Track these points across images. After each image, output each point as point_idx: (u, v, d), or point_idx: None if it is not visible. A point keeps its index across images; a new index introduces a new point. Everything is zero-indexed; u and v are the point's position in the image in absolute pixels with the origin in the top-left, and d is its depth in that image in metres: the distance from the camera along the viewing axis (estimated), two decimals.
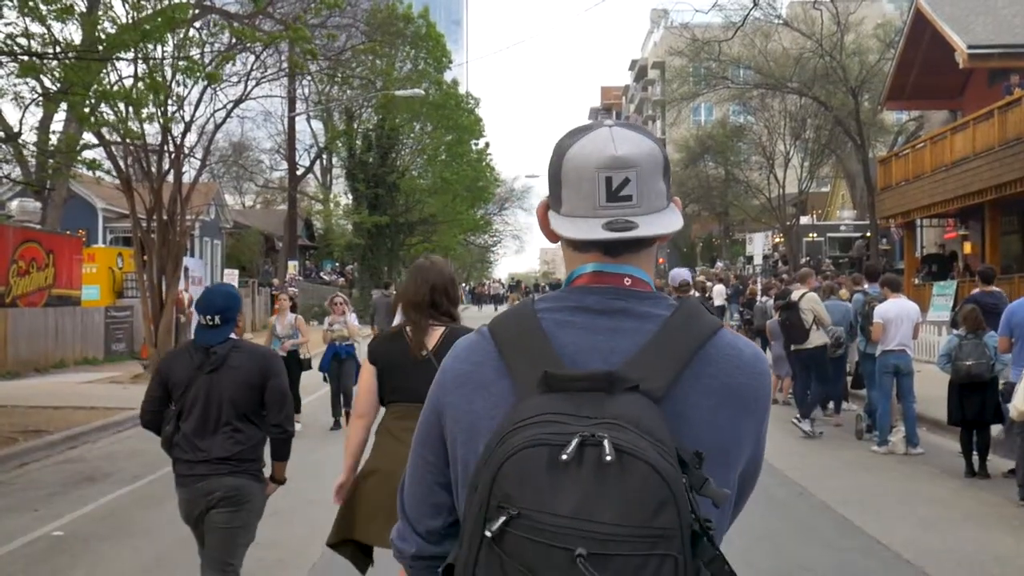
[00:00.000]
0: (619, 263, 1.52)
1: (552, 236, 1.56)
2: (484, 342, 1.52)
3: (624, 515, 1.22)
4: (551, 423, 1.28)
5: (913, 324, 10.78)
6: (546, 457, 1.25)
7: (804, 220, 44.26)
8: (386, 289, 22.24)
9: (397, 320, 4.48)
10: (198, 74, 15.97)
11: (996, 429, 9.77)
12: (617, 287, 1.51)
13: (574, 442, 1.24)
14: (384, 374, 4.16)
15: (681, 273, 10.75)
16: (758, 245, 32.82)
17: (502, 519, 1.23)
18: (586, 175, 1.47)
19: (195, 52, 17.16)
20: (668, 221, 1.49)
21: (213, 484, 4.35)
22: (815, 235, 41.61)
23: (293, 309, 12.91)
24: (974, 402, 9.23)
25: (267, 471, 4.66)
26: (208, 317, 4.44)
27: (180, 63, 15.94)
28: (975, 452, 9.42)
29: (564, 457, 1.23)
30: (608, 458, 1.22)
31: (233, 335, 4.53)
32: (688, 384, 1.42)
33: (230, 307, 4.49)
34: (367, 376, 4.23)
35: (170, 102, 17.51)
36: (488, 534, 1.24)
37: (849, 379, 13.37)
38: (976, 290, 11.29)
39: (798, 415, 12.08)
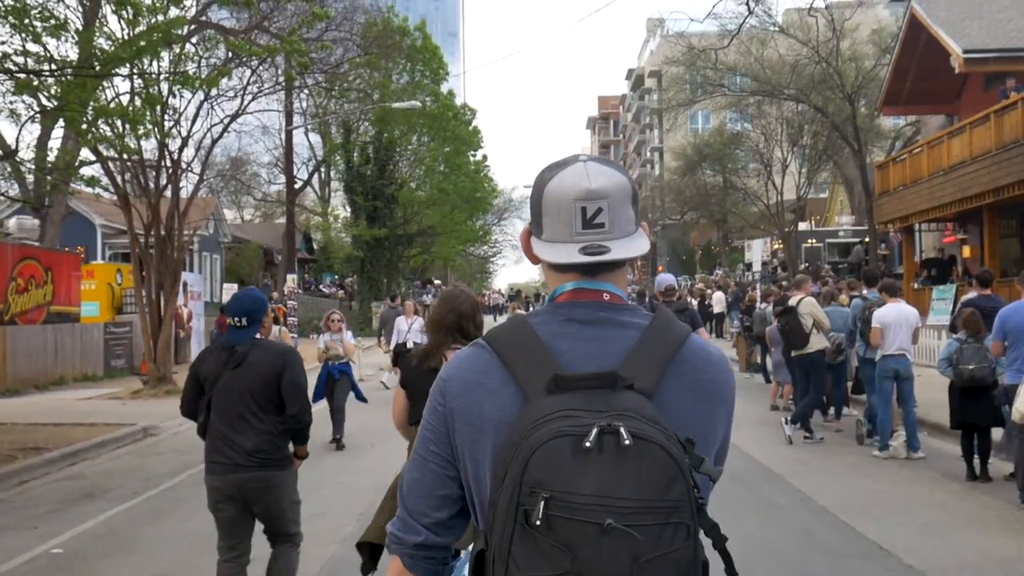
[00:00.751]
0: (597, 281, 1.74)
1: (534, 259, 1.77)
2: (485, 353, 1.70)
3: (641, 490, 1.42)
4: (569, 417, 1.48)
5: (912, 329, 10.77)
6: (570, 446, 1.45)
7: (803, 226, 44.27)
8: (392, 301, 22.18)
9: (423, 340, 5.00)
10: (195, 85, 15.98)
11: (997, 433, 9.75)
12: (598, 301, 1.73)
13: (594, 432, 1.44)
14: (412, 398, 4.59)
15: (666, 279, 10.84)
16: (757, 252, 32.85)
17: (541, 503, 1.41)
18: (564, 206, 1.68)
19: (191, 67, 17.19)
20: (637, 245, 1.71)
21: (243, 477, 4.83)
22: (814, 241, 41.61)
23: (276, 322, 12.55)
24: (975, 406, 9.21)
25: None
26: (236, 319, 4.92)
27: (176, 77, 15.95)
28: (976, 456, 9.41)
29: (587, 445, 1.43)
30: (627, 443, 1.44)
31: (259, 335, 5.00)
32: (671, 382, 1.65)
33: (256, 310, 4.97)
34: (400, 399, 4.73)
35: (167, 117, 17.54)
36: (537, 521, 1.41)
37: (850, 384, 13.36)
38: (972, 294, 11.28)
39: (789, 416, 12.07)
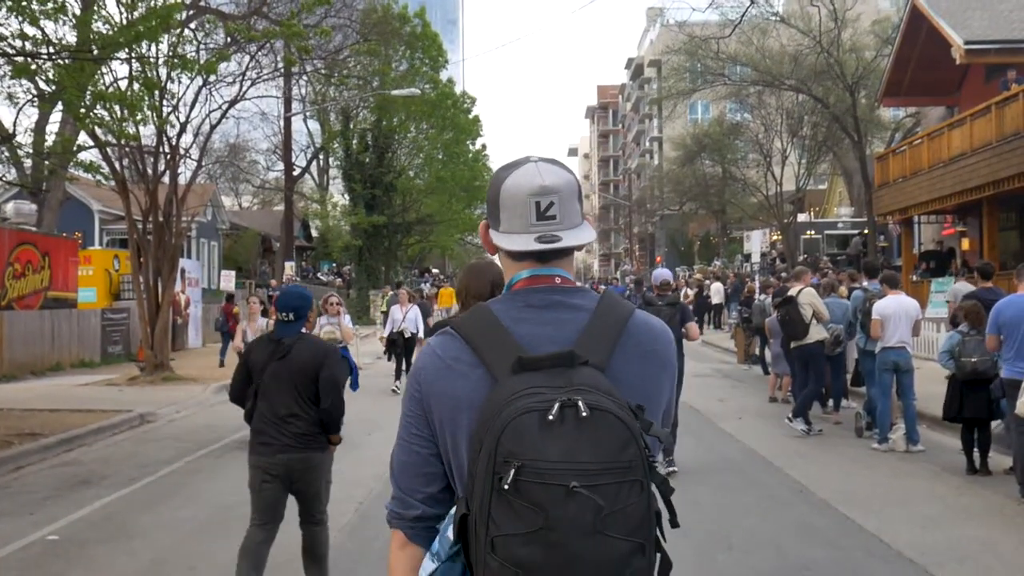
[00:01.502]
0: (549, 267, 1.94)
1: (492, 249, 2.00)
2: (454, 340, 1.88)
3: (600, 454, 1.63)
4: (534, 394, 1.67)
5: (913, 321, 10.72)
6: (536, 420, 1.64)
7: (801, 217, 44.21)
8: (398, 288, 22.09)
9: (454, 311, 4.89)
10: (193, 69, 15.87)
11: (996, 425, 9.73)
12: (551, 286, 1.92)
13: (556, 406, 1.64)
14: None
15: (663, 274, 10.86)
16: (756, 243, 32.79)
17: (512, 471, 1.60)
18: (520, 200, 1.89)
19: (190, 51, 17.10)
20: (584, 234, 1.93)
21: (285, 458, 5.31)
22: (813, 232, 41.55)
23: (264, 314, 12.13)
24: (976, 399, 9.18)
25: None
26: (284, 314, 5.40)
27: (175, 61, 15.86)
28: (976, 449, 9.38)
29: (551, 418, 1.63)
30: (584, 414, 1.64)
31: (304, 329, 5.52)
32: (619, 355, 1.85)
33: (302, 306, 5.47)
34: None
35: (165, 102, 17.45)
36: (506, 486, 1.60)
37: (849, 376, 13.32)
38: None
39: (790, 414, 12.03)
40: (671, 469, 9.40)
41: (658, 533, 1.71)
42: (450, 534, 1.80)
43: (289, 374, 5.30)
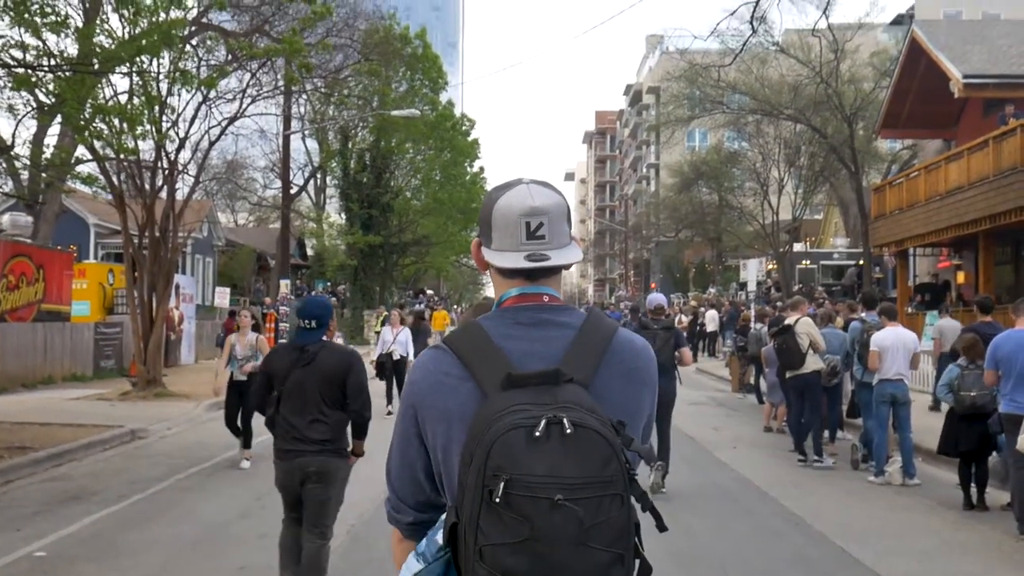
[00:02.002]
0: (537, 285, 2.03)
1: (483, 266, 2.10)
2: (446, 355, 1.96)
3: (583, 469, 1.70)
4: (521, 411, 1.75)
5: (911, 353, 10.69)
6: (523, 436, 1.71)
7: (797, 247, 44.27)
8: (402, 310, 21.96)
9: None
10: (193, 83, 15.87)
11: (993, 460, 9.68)
12: (539, 304, 2.01)
13: (543, 423, 1.71)
14: None
15: (657, 298, 10.96)
16: (752, 271, 32.80)
17: (501, 484, 1.67)
18: (511, 220, 1.98)
19: (191, 66, 17.09)
20: (572, 254, 2.02)
21: (307, 461, 5.50)
22: (808, 262, 41.62)
23: (255, 328, 11.76)
24: (974, 433, 9.14)
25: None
26: (306, 321, 5.63)
27: (175, 75, 15.85)
28: (973, 484, 9.32)
29: (537, 434, 1.71)
30: (568, 431, 1.71)
31: (325, 337, 5.74)
32: (603, 372, 1.93)
33: (324, 314, 5.68)
34: None
35: (165, 117, 17.43)
36: (497, 499, 1.67)
37: (844, 408, 13.27)
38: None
39: (805, 456, 11.92)
40: (661, 491, 9.51)
41: (637, 542, 1.79)
42: (439, 538, 1.89)
43: (315, 380, 5.50)
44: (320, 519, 5.66)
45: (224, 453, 11.78)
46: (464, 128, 47.06)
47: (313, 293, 30.94)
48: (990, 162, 20.16)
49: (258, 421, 11.18)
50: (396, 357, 16.83)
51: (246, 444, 11.26)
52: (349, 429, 5.81)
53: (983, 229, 20.85)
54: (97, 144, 16.59)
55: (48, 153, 19.86)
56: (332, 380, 5.53)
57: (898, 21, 43.09)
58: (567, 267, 2.07)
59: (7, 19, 12.73)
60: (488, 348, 1.92)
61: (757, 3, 23.50)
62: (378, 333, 22.58)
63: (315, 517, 5.65)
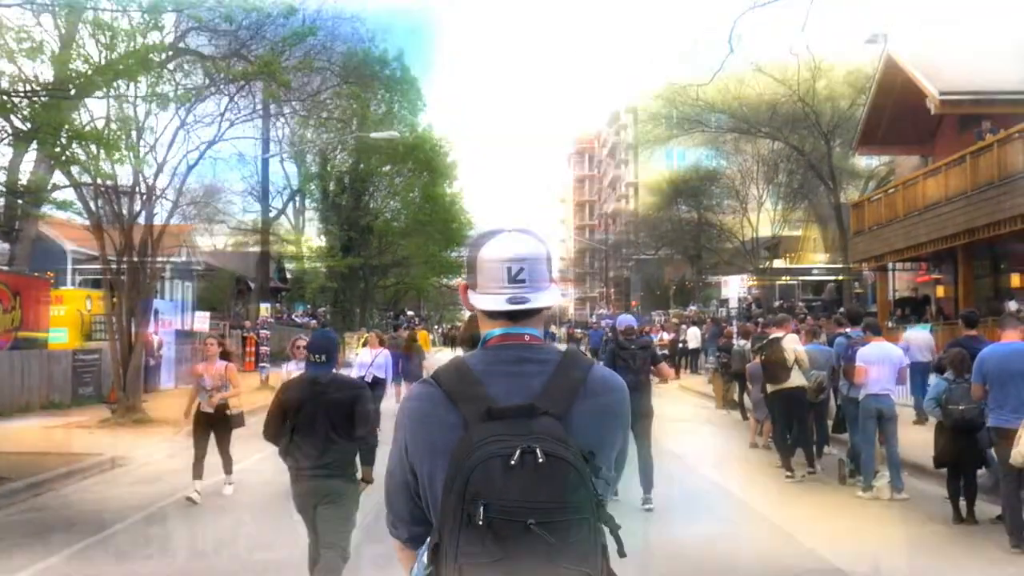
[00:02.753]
0: (519, 326, 2.23)
1: (470, 307, 2.29)
2: (433, 389, 2.15)
3: (554, 495, 1.88)
4: (499, 441, 1.93)
5: (896, 368, 10.70)
6: (500, 464, 1.89)
7: (777, 263, 44.45)
8: (395, 332, 21.84)
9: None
10: (168, 100, 15.77)
11: (982, 473, 9.65)
12: (521, 343, 2.21)
13: (518, 452, 1.89)
14: None
15: (627, 319, 11.12)
16: (733, 288, 32.89)
17: (481, 508, 1.86)
18: (494, 265, 2.20)
19: (168, 90, 17.00)
20: (551, 296, 2.24)
21: (320, 485, 5.89)
22: (788, 278, 41.78)
23: (224, 356, 11.18)
24: (962, 447, 9.11)
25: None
26: (317, 356, 6.05)
27: (152, 96, 15.76)
28: (963, 497, 9.29)
29: (512, 463, 1.89)
30: (541, 460, 1.89)
31: (333, 369, 6.16)
32: (577, 407, 2.10)
33: (332, 348, 6.17)
34: None
35: (143, 142, 17.32)
36: (480, 522, 1.86)
37: (830, 423, 13.24)
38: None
39: (792, 472, 11.88)
40: (648, 507, 9.46)
41: (605, 562, 2.00)
42: (425, 559, 2.07)
43: (326, 410, 5.87)
44: (335, 538, 5.93)
45: (205, 479, 11.62)
46: (443, 150, 47.08)
47: (301, 313, 30.79)
48: (968, 177, 20.32)
49: (240, 447, 11.10)
50: (369, 380, 16.57)
51: (227, 470, 11.07)
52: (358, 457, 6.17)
53: (962, 243, 20.99)
54: (74, 170, 16.45)
55: (24, 179, 19.70)
56: (341, 409, 5.90)
57: (873, 40, 43.44)
58: (547, 309, 2.26)
59: None
60: (472, 384, 2.10)
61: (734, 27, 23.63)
62: (358, 355, 22.46)
63: (331, 537, 5.93)
